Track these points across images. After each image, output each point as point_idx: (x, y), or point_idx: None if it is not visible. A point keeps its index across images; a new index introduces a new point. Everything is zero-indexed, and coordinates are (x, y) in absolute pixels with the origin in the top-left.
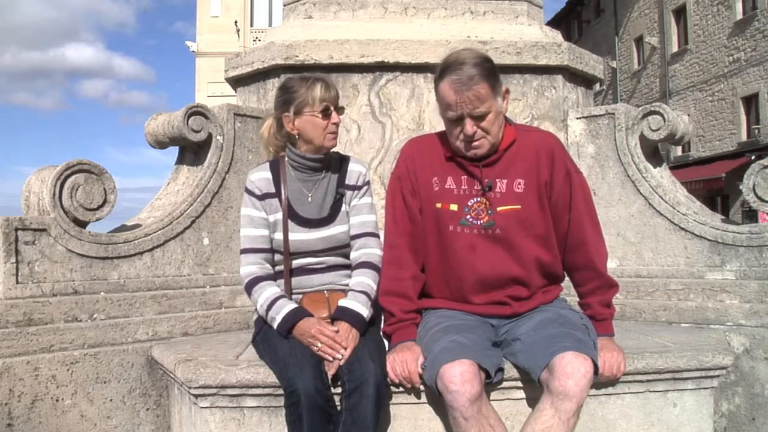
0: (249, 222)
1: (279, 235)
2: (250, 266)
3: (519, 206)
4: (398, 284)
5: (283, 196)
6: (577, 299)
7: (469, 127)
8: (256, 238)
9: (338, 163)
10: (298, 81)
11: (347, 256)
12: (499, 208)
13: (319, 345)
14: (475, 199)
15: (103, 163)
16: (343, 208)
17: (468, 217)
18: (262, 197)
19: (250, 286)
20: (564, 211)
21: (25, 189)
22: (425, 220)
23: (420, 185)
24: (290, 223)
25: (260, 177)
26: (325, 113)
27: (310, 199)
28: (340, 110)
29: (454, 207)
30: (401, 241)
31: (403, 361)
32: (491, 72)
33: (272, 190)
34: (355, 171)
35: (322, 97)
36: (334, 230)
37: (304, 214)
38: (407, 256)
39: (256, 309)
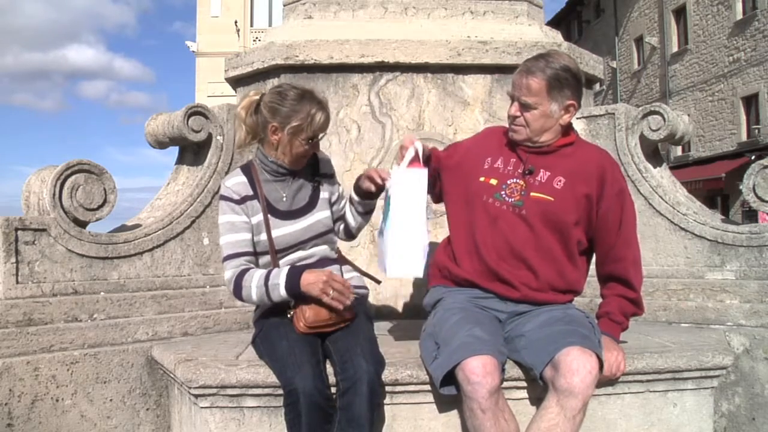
0: (230, 228)
1: (263, 236)
2: (237, 268)
3: (551, 199)
4: None
5: (261, 197)
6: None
7: (513, 108)
8: (238, 243)
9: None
10: (299, 98)
11: (332, 247)
12: (532, 193)
13: (330, 293)
14: (514, 180)
15: (103, 164)
16: (322, 194)
17: (503, 192)
18: (240, 201)
19: (240, 277)
20: (614, 226)
21: (25, 189)
22: (465, 194)
23: (469, 160)
24: (273, 220)
25: (236, 182)
26: (311, 141)
27: (284, 198)
28: (322, 137)
29: (493, 181)
30: None
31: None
32: (559, 79)
33: (250, 192)
34: (325, 159)
35: (317, 128)
36: (318, 215)
37: (283, 208)
38: None
39: (251, 295)
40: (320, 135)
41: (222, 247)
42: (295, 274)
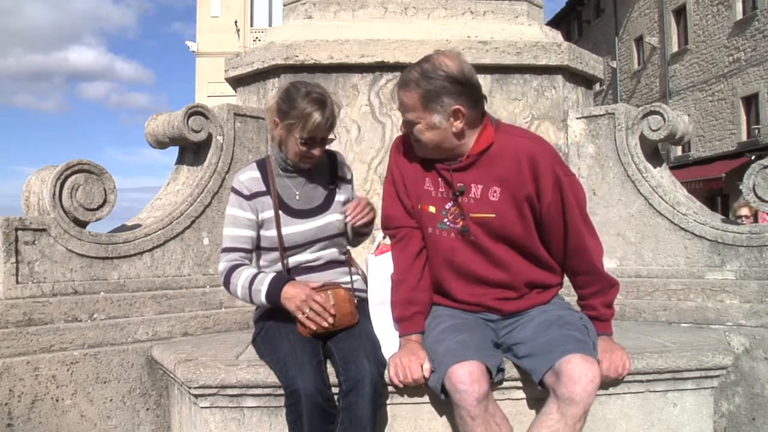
0: (233, 222)
1: (273, 232)
2: (229, 262)
3: (493, 215)
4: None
5: (273, 193)
6: (577, 299)
7: (401, 126)
8: (237, 238)
9: (324, 159)
10: (300, 96)
11: (342, 251)
12: (471, 215)
13: (307, 311)
14: (450, 203)
15: (103, 164)
16: (337, 197)
17: (446, 220)
18: (250, 197)
19: (230, 273)
20: (558, 217)
21: (25, 189)
22: (420, 225)
23: (409, 183)
24: (284, 217)
25: (249, 177)
26: (307, 143)
27: (297, 197)
28: (328, 141)
29: (432, 209)
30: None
31: (407, 367)
32: (434, 90)
33: (262, 188)
34: (342, 162)
35: (312, 129)
36: (330, 218)
37: (296, 206)
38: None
39: (236, 291)
40: (320, 136)
41: (223, 238)
42: (277, 284)
